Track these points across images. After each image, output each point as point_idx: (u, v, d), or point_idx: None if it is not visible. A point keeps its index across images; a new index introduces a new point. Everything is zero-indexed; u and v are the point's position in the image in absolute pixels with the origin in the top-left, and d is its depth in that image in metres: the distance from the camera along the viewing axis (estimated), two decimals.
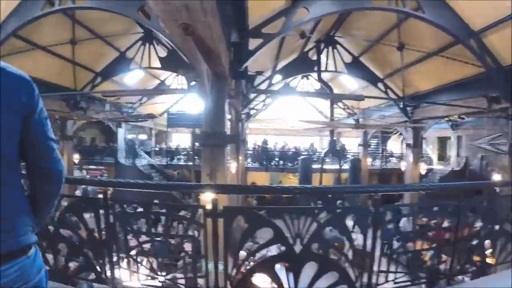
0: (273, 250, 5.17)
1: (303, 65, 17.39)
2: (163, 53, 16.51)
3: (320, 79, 17.91)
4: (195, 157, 24.20)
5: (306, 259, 3.33)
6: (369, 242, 3.43)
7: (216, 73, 6.74)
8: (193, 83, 13.04)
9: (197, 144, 26.16)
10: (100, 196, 3.66)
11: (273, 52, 15.49)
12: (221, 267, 3.40)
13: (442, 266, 4.01)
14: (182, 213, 5.50)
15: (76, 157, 20.52)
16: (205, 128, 7.28)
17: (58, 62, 14.61)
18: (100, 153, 26.43)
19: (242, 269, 3.59)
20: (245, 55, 8.38)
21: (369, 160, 25.06)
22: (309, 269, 3.36)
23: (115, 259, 3.71)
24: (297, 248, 3.31)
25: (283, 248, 3.36)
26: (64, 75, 15.52)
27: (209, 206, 3.32)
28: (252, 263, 4.37)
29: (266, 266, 3.49)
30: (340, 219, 3.52)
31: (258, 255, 4.97)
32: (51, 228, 3.56)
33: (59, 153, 1.70)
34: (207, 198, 3.50)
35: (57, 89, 15.04)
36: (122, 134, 24.62)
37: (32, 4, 10.06)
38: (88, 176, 29.15)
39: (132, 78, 19.58)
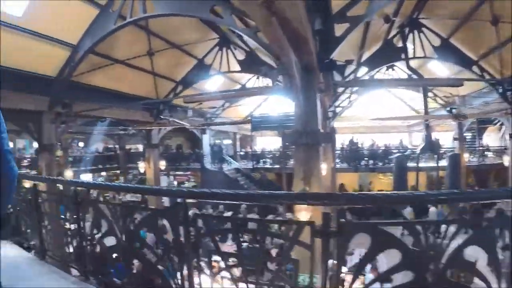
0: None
1: (389, 53, 15.74)
2: (241, 56, 16.28)
3: (409, 67, 16.36)
4: (281, 159, 23.96)
5: None
6: None
7: (305, 65, 6.02)
8: (275, 82, 12.36)
9: (284, 145, 26.05)
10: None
11: (356, 42, 14.52)
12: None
13: None
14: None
15: (162, 164, 20.79)
16: (297, 127, 6.55)
17: (138, 74, 14.99)
18: (186, 159, 26.92)
19: None
20: (332, 43, 7.52)
21: (466, 155, 22.03)
22: None
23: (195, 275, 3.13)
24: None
25: (408, 274, 2.48)
26: (145, 86, 15.95)
27: (301, 216, 2.54)
28: None
29: None
30: (487, 234, 2.56)
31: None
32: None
33: (13, 162, 2.23)
34: (305, 210, 2.73)
35: (139, 101, 15.40)
36: (207, 140, 24.89)
37: (104, 21, 10.40)
38: (175, 183, 30.06)
39: (212, 84, 19.56)
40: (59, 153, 24.19)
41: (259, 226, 3.07)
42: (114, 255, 3.92)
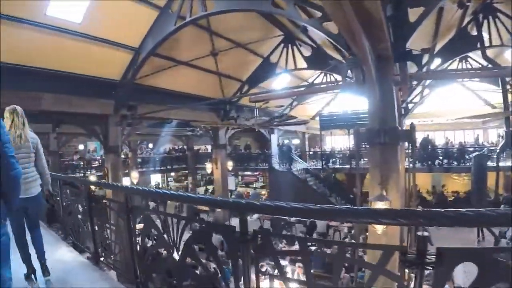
0: None
1: (463, 43, 14.12)
2: (307, 52, 15.57)
3: (485, 57, 14.77)
4: (352, 159, 23.02)
5: None
6: None
7: (379, 54, 5.26)
8: (345, 78, 11.51)
9: (356, 144, 25.02)
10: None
11: (429, 31, 13.39)
12: None
13: None
14: None
15: (230, 165, 20.71)
16: (372, 124, 5.78)
17: (202, 75, 14.80)
18: (254, 159, 26.56)
19: None
20: (407, 29, 6.66)
21: None
22: None
23: None
24: None
25: None
26: (211, 87, 15.71)
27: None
28: None
29: None
30: None
31: None
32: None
33: (17, 165, 2.85)
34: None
35: (205, 101, 15.18)
36: (275, 140, 24.50)
37: (164, 22, 10.29)
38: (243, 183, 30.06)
39: (279, 83, 18.98)
40: (129, 154, 25.04)
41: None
42: (166, 267, 3.60)
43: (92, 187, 5.14)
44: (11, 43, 8.53)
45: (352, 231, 16.01)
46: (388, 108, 5.64)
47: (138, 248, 3.71)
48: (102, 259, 4.83)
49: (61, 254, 5.31)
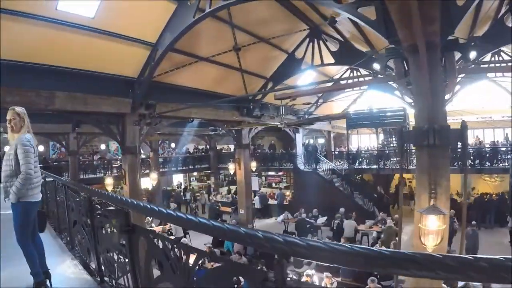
0: None
1: (499, 36, 12.97)
2: (333, 47, 14.77)
3: None
4: (380, 159, 22.15)
5: None
6: None
7: (426, 42, 4.46)
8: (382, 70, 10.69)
9: (384, 143, 24.09)
10: None
11: (466, 21, 12.29)
12: None
13: None
14: None
15: (253, 165, 20.09)
16: (419, 123, 4.94)
17: (225, 72, 14.17)
18: (278, 159, 25.93)
19: None
20: (454, 13, 5.80)
21: None
22: None
23: None
24: None
25: None
26: (234, 84, 15.02)
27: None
28: None
29: None
30: None
31: None
32: None
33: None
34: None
35: (227, 99, 14.38)
36: (300, 139, 23.90)
37: (183, 15, 9.70)
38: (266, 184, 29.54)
39: (304, 79, 18.18)
40: (150, 154, 24.72)
41: None
42: None
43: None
44: (21, 40, 8.15)
45: (382, 236, 15.16)
46: (438, 105, 4.81)
47: (141, 277, 3.01)
48: (106, 278, 4.19)
49: (63, 269, 4.83)
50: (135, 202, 2.67)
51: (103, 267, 4.15)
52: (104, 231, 3.99)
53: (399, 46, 5.18)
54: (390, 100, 21.67)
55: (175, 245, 2.42)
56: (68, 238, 5.86)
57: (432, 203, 4.45)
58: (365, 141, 29.67)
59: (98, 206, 4.05)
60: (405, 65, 5.64)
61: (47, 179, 7.06)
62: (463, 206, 6.35)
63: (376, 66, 13.06)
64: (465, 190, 6.33)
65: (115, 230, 3.56)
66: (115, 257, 3.71)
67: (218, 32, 11.96)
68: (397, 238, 15.88)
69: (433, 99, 4.68)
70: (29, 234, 3.86)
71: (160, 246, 2.60)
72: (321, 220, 18.35)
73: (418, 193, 4.84)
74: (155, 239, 2.74)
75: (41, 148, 22.61)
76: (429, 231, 4.23)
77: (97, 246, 4.13)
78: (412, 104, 13.97)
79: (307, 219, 17.93)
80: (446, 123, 4.81)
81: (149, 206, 2.47)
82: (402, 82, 5.56)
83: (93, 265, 4.56)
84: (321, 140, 31.31)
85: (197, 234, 4.45)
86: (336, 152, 27.75)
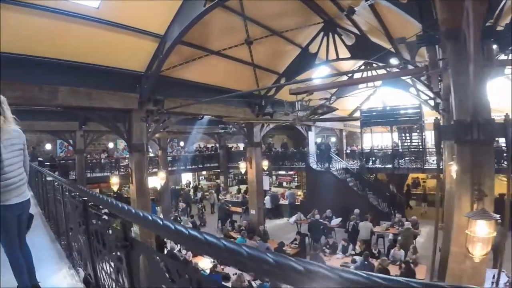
0: None
1: None
2: (349, 42, 14.02)
3: None
4: (395, 158, 21.52)
5: None
6: None
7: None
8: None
9: (398, 141, 23.39)
10: None
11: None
12: None
13: None
14: None
15: (265, 164, 19.52)
16: (460, 115, 4.32)
17: (236, 67, 13.60)
18: (290, 158, 25.41)
19: None
20: None
21: None
22: None
23: None
24: None
25: None
26: (245, 80, 14.43)
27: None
28: None
29: None
30: None
31: None
32: None
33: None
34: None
35: (238, 94, 13.72)
36: (313, 137, 23.35)
37: (192, 6, 9.03)
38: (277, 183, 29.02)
39: (318, 75, 17.51)
40: (158, 152, 24.33)
41: None
42: None
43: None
44: (20, 31, 7.67)
45: (399, 238, 14.53)
46: (482, 95, 4.21)
47: None
48: None
49: (59, 280, 4.36)
50: (131, 209, 2.10)
51: (100, 281, 3.63)
52: (100, 242, 3.46)
53: (435, 32, 4.59)
54: (404, 98, 21.14)
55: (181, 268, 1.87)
56: (67, 243, 5.36)
57: (478, 206, 3.88)
58: (378, 139, 28.96)
59: (93, 211, 3.53)
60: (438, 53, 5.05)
61: (48, 178, 6.62)
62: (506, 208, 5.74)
63: (394, 61, 12.41)
64: (508, 191, 5.67)
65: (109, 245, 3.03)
66: (113, 276, 3.19)
67: (229, 24, 11.41)
68: (415, 241, 15.41)
69: (477, 89, 4.09)
70: (13, 241, 3.48)
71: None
72: (335, 221, 17.80)
73: (459, 195, 4.25)
74: (160, 260, 2.16)
75: (48, 146, 22.41)
76: (478, 239, 3.67)
77: (93, 256, 3.60)
78: (428, 101, 13.23)
79: (321, 220, 17.36)
80: (490, 116, 4.22)
81: (150, 218, 1.90)
82: (435, 72, 4.97)
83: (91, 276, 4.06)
84: (332, 139, 30.82)
85: None
86: (348, 151, 27.20)
